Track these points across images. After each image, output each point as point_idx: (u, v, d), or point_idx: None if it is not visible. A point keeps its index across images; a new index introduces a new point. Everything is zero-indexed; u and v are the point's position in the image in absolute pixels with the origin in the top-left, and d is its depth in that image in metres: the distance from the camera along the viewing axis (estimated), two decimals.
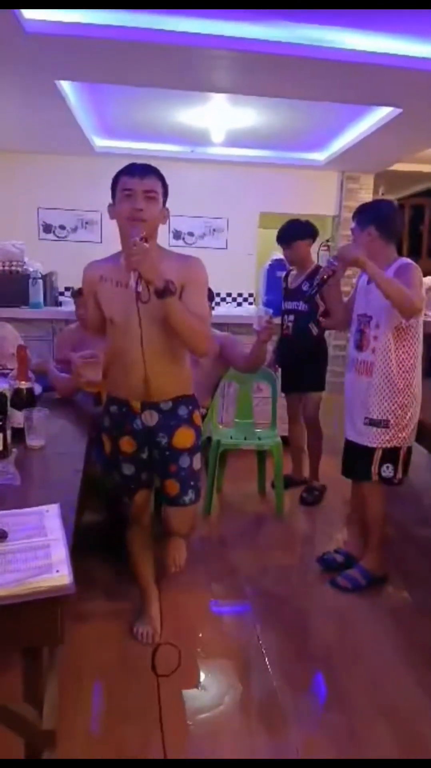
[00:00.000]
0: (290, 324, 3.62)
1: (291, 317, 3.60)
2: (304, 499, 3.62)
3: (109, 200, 1.85)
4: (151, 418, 1.93)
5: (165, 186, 1.83)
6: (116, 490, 2.09)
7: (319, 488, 3.71)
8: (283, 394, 3.77)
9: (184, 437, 1.97)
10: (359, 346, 2.55)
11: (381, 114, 4.42)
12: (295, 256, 3.58)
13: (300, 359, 3.60)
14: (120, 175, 1.80)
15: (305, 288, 3.48)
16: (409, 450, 2.58)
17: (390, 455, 2.52)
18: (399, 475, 2.56)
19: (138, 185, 1.75)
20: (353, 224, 2.58)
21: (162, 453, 1.98)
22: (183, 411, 1.97)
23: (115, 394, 1.99)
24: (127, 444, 1.98)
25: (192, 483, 2.02)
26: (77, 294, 3.08)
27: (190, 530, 2.24)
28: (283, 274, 3.87)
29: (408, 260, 2.48)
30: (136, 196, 1.74)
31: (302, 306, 3.50)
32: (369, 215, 2.52)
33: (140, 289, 1.69)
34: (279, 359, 3.74)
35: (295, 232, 3.53)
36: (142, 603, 2.24)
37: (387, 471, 2.53)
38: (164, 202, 1.83)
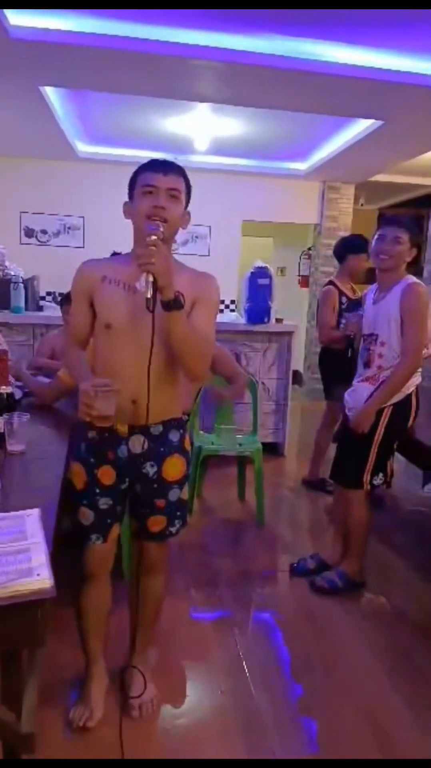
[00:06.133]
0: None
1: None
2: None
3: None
4: (138, 444, 1.70)
5: (188, 186, 1.67)
6: (87, 531, 1.76)
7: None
8: (327, 400, 3.80)
9: (174, 467, 1.75)
10: (367, 363, 2.59)
11: (363, 126, 4.51)
12: None
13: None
14: (140, 171, 1.63)
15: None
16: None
17: (380, 464, 2.56)
18: (387, 479, 2.62)
19: (161, 182, 1.58)
20: (399, 232, 2.45)
21: (148, 486, 1.74)
22: (174, 436, 1.75)
23: None
24: (106, 475, 1.72)
25: (179, 513, 1.81)
26: (65, 301, 3.06)
27: (167, 562, 1.92)
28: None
29: (415, 281, 2.46)
30: (158, 193, 1.58)
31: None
32: (412, 228, 2.48)
33: (149, 294, 1.47)
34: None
35: None
36: (84, 680, 1.90)
37: (378, 479, 2.58)
38: (186, 204, 1.67)
